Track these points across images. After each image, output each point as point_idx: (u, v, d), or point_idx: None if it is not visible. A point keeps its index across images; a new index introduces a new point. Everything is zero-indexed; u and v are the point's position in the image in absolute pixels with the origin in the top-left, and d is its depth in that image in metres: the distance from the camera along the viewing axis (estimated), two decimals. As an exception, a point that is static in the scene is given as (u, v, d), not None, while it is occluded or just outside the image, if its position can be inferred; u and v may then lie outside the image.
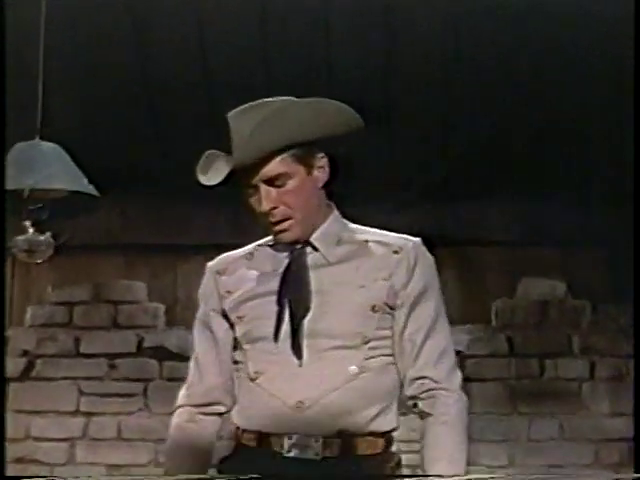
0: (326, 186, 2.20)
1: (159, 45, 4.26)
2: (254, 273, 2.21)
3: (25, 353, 5.14)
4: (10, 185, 3.02)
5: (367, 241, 2.21)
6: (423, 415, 2.17)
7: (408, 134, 4.65)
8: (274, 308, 2.12)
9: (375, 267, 2.16)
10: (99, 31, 4.15)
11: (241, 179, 2.13)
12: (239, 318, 2.19)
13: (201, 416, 2.28)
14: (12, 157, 3.18)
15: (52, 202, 3.36)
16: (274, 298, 2.13)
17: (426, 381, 2.16)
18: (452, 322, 4.95)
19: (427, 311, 2.17)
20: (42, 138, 3.34)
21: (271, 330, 2.11)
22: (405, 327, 2.16)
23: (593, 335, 5.07)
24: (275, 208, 2.12)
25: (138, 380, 5.10)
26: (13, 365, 5.00)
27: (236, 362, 2.23)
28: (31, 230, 3.22)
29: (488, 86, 4.36)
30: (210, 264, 2.31)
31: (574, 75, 4.16)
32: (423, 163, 4.89)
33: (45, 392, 5.12)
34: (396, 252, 2.17)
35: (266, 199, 2.11)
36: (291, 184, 2.12)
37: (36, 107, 3.37)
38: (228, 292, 2.23)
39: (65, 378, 5.14)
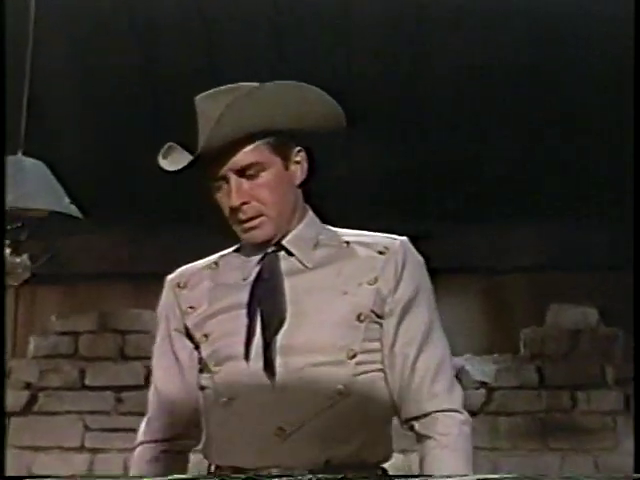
0: (302, 185, 1.96)
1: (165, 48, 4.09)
2: (220, 284, 1.96)
3: (27, 386, 4.96)
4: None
5: (348, 242, 1.95)
6: (421, 438, 1.90)
7: (426, 150, 4.45)
8: (244, 322, 1.86)
9: (359, 270, 1.90)
10: (98, 31, 3.97)
11: (208, 169, 1.88)
12: (205, 336, 1.93)
13: (165, 453, 2.02)
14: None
15: (39, 222, 3.15)
16: (244, 311, 1.87)
17: (423, 400, 1.88)
18: (478, 352, 4.86)
19: (420, 319, 1.91)
20: (25, 154, 3.13)
21: (242, 348, 1.85)
22: (395, 339, 1.89)
23: (628, 365, 4.77)
24: (246, 203, 1.87)
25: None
26: (15, 398, 4.81)
27: (203, 387, 1.96)
28: (8, 251, 2.99)
29: (512, 102, 4.18)
30: (169, 277, 2.04)
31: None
32: (445, 185, 4.68)
33: (48, 427, 4.91)
34: (381, 252, 1.91)
35: (237, 192, 1.86)
36: (265, 176, 1.88)
37: (20, 119, 3.17)
38: (191, 307, 1.97)
39: (69, 412, 4.93)
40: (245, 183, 1.87)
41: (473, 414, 1.97)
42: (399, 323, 1.89)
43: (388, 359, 1.89)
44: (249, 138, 1.85)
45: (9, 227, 2.95)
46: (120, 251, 5.03)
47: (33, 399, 4.94)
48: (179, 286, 2.00)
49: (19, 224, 2.98)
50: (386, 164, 4.55)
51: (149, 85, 4.24)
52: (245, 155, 1.85)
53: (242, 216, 1.88)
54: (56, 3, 3.67)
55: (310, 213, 2.00)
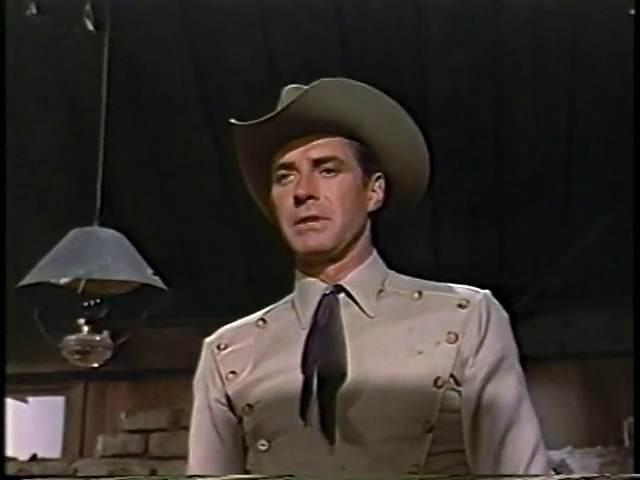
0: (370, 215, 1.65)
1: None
2: (268, 343, 1.62)
3: (95, 487, 4.68)
4: (57, 277, 2.59)
5: (421, 293, 1.61)
6: None
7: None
8: (298, 385, 1.52)
9: (436, 326, 1.56)
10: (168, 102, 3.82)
11: (278, 152, 1.59)
12: (249, 407, 1.58)
13: None
14: (63, 245, 2.76)
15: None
16: (297, 373, 1.52)
17: None
18: (579, 444, 4.47)
19: (507, 387, 1.56)
20: (102, 224, 2.92)
21: (296, 419, 1.50)
22: (478, 412, 1.53)
23: None
24: (313, 198, 1.55)
25: (222, 518, 4.54)
26: (82, 501, 4.52)
27: (248, 471, 1.61)
28: (85, 329, 2.75)
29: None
30: (208, 339, 1.70)
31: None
32: (540, 269, 4.55)
33: (116, 532, 4.60)
34: (462, 306, 1.58)
35: (308, 182, 1.56)
36: (343, 178, 1.58)
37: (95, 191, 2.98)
38: (232, 372, 1.62)
39: (139, 516, 4.62)
40: (319, 178, 1.57)
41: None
42: (481, 392, 1.54)
43: (470, 435, 1.54)
44: (333, 129, 1.58)
45: (87, 304, 2.72)
46: (192, 344, 4.79)
47: (100, 501, 4.67)
48: (219, 348, 1.66)
49: (98, 301, 2.74)
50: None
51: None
52: (327, 146, 1.57)
53: (305, 212, 1.56)
54: (127, 75, 3.55)
55: (375, 253, 1.67)
